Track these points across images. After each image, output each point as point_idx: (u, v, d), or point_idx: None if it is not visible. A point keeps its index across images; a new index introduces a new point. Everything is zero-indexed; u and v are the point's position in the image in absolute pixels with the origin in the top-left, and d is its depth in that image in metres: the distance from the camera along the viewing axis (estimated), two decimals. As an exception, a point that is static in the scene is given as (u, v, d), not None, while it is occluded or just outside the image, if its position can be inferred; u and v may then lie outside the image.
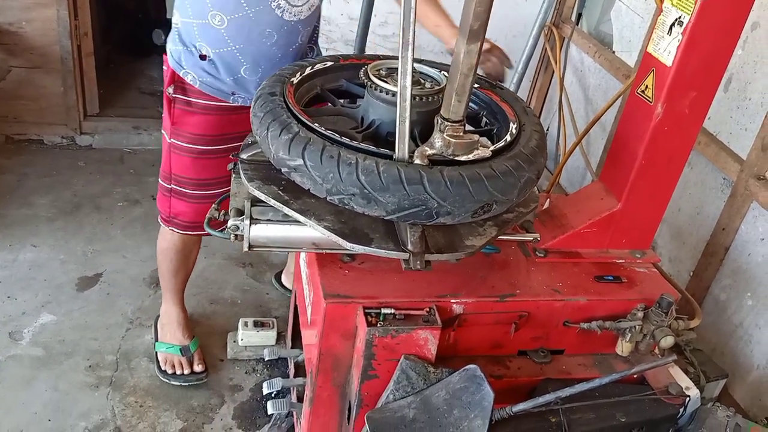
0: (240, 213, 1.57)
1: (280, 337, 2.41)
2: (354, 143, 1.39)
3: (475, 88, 1.76)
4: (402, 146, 1.38)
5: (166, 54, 1.97)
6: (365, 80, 1.58)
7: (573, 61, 3.53)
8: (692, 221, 2.62)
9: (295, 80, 1.64)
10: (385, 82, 1.55)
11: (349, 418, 1.67)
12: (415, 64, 1.67)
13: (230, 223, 1.54)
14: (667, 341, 1.67)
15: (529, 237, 1.75)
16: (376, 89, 1.55)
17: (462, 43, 1.28)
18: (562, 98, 3.45)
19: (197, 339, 2.37)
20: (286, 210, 1.49)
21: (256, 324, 2.40)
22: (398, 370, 1.55)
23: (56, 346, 2.32)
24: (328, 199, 1.39)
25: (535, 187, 1.67)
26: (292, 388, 2.09)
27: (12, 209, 2.96)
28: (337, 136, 1.40)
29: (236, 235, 1.55)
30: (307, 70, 1.71)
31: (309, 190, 1.41)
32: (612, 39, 3.24)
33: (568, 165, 3.49)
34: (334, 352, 1.60)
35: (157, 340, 2.35)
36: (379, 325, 1.51)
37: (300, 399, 1.97)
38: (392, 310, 1.54)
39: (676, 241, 2.69)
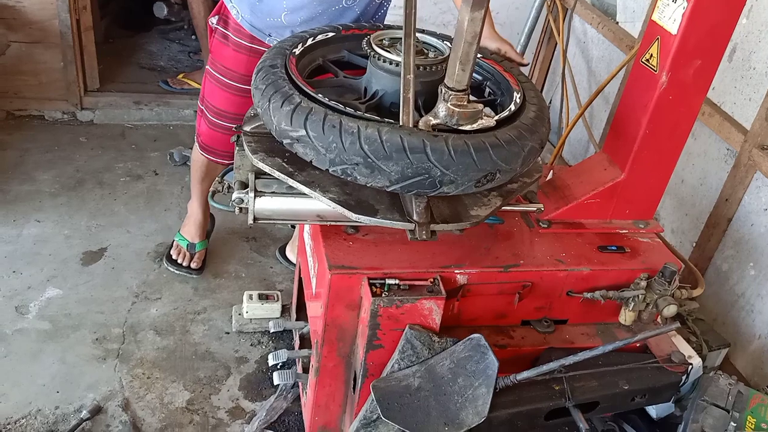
0: (244, 186, 1.57)
1: (284, 310, 2.43)
2: (357, 113, 1.39)
3: (478, 58, 1.75)
4: (406, 114, 1.38)
5: None
6: (368, 50, 1.57)
7: (576, 33, 3.50)
8: (695, 192, 2.61)
9: (296, 51, 1.63)
10: (388, 52, 1.54)
11: (354, 388, 1.69)
12: (419, 35, 1.67)
13: (234, 195, 1.54)
14: (670, 310, 1.69)
15: (532, 207, 1.75)
16: (379, 59, 1.54)
17: (466, 10, 1.27)
18: (565, 70, 3.42)
19: (206, 242, 2.68)
20: (291, 182, 1.49)
21: (260, 297, 2.41)
22: (403, 339, 1.56)
23: (62, 319, 2.33)
24: (330, 170, 1.39)
25: (539, 158, 1.67)
26: (297, 360, 2.11)
27: (15, 185, 2.96)
28: (340, 106, 1.40)
29: (241, 208, 1.56)
30: (309, 42, 1.70)
31: (312, 162, 1.41)
32: (615, 10, 3.20)
33: (571, 138, 3.48)
34: (339, 322, 1.62)
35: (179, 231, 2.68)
36: (383, 295, 1.53)
37: (305, 370, 1.99)
38: (397, 281, 1.55)
39: (678, 213, 2.69)
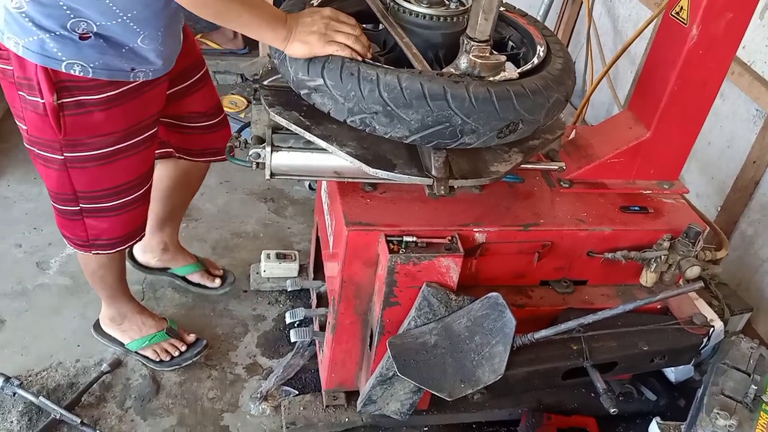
0: (261, 141, 1.55)
1: (301, 269, 2.43)
2: (374, 62, 1.36)
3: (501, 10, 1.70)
4: (418, 61, 1.36)
5: (2, 57, 1.49)
6: (389, 1, 1.53)
7: (602, -9, 3.40)
8: (722, 155, 2.55)
9: (315, 3, 1.59)
10: (408, 2, 1.50)
11: (371, 345, 1.69)
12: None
13: (251, 150, 1.53)
14: (693, 271, 1.65)
15: (554, 166, 1.72)
16: (399, 10, 1.50)
17: (489, -44, 1.22)
18: (590, 30, 3.33)
19: (168, 321, 2.15)
20: (308, 135, 1.47)
21: (278, 256, 2.41)
22: (420, 297, 1.55)
23: (83, 276, 2.32)
24: (349, 120, 1.37)
25: (561, 115, 1.63)
26: (314, 318, 2.11)
27: (35, 143, 2.97)
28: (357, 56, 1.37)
29: (258, 163, 1.54)
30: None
31: (329, 112, 1.39)
32: (644, -34, 3.10)
33: (594, 100, 3.40)
34: (356, 279, 1.61)
35: (124, 344, 2.08)
36: (401, 252, 1.51)
37: (322, 328, 1.99)
38: (414, 238, 1.53)
39: (704, 176, 2.64)
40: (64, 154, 1.59)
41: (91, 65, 1.47)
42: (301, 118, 1.51)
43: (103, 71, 1.49)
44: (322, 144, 1.46)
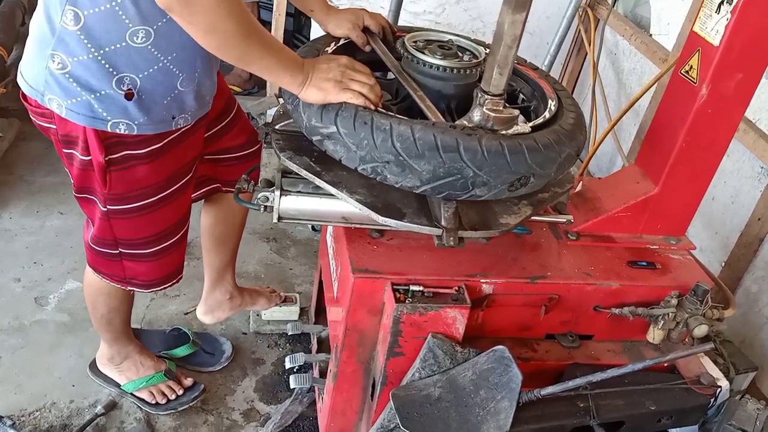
0: (270, 184, 1.55)
1: (303, 313, 2.41)
2: (387, 112, 1.36)
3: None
4: (432, 113, 1.37)
5: (45, 116, 1.50)
6: (402, 51, 1.55)
7: (607, 44, 3.45)
8: (726, 210, 2.55)
9: (329, 50, 1.61)
10: (422, 53, 1.52)
11: (372, 395, 1.66)
12: (453, 37, 1.65)
13: (260, 194, 1.52)
14: (701, 330, 1.63)
15: (562, 219, 1.71)
16: (413, 60, 1.52)
17: (507, 12, 1.24)
18: (595, 83, 3.37)
19: (168, 362, 2.13)
20: (318, 181, 1.47)
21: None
22: (425, 348, 1.53)
23: (81, 312, 2.33)
24: (360, 168, 1.37)
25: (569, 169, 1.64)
26: (314, 364, 2.08)
27: (39, 176, 2.97)
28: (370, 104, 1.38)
29: (266, 207, 1.53)
30: (341, 41, 1.68)
31: (341, 160, 1.39)
32: (649, 22, 3.15)
33: (597, 150, 3.43)
34: (360, 327, 1.59)
35: (120, 385, 2.06)
36: (407, 301, 1.49)
37: (322, 374, 1.96)
38: (421, 288, 1.52)
39: (707, 231, 2.63)
40: (107, 207, 1.62)
41: (136, 122, 1.49)
42: (312, 163, 1.51)
43: (148, 126, 1.51)
44: (332, 190, 1.46)
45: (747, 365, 2.11)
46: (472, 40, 1.67)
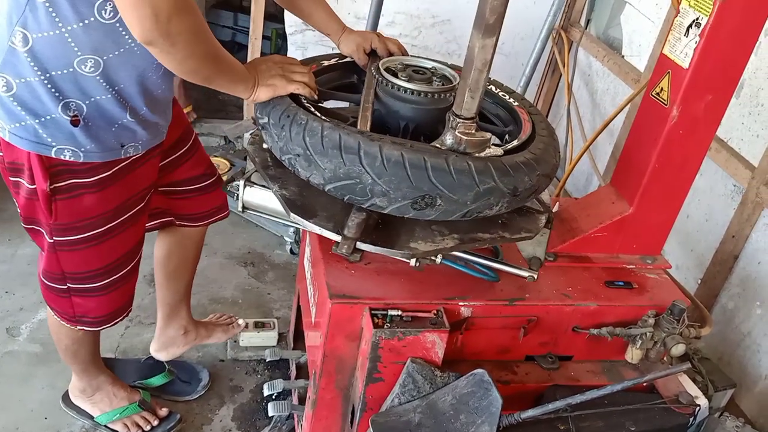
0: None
1: (281, 338, 2.38)
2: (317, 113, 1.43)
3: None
4: (363, 120, 1.44)
5: None
6: (376, 75, 1.56)
7: (581, 65, 3.51)
8: (701, 228, 2.58)
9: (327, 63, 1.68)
10: (394, 75, 1.54)
11: (352, 422, 1.64)
12: (425, 60, 1.66)
13: (234, 182, 1.56)
14: (679, 349, 1.64)
15: (524, 273, 1.61)
16: (384, 84, 1.54)
17: (477, 37, 1.25)
18: (570, 103, 3.42)
19: (142, 392, 2.09)
20: (261, 172, 1.54)
21: (256, 325, 2.37)
22: (404, 373, 1.51)
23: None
24: (280, 158, 1.43)
25: (544, 218, 1.61)
26: (293, 390, 2.05)
27: (11, 203, 2.90)
28: (314, 111, 1.44)
29: (236, 195, 1.58)
30: (324, 63, 1.74)
31: (271, 149, 1.47)
32: (621, 43, 3.21)
33: (573, 170, 3.46)
34: (338, 353, 1.57)
35: (93, 417, 2.01)
36: (385, 326, 1.48)
37: (301, 401, 1.94)
38: (399, 312, 1.51)
39: (683, 248, 2.66)
40: (54, 238, 1.57)
41: (82, 149, 1.45)
42: (268, 157, 1.57)
43: (95, 153, 1.47)
44: (265, 181, 1.53)
45: (725, 382, 2.12)
46: (454, 67, 1.68)
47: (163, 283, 2.07)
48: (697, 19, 1.52)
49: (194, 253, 2.08)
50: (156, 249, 2.04)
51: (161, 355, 2.18)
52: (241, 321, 2.33)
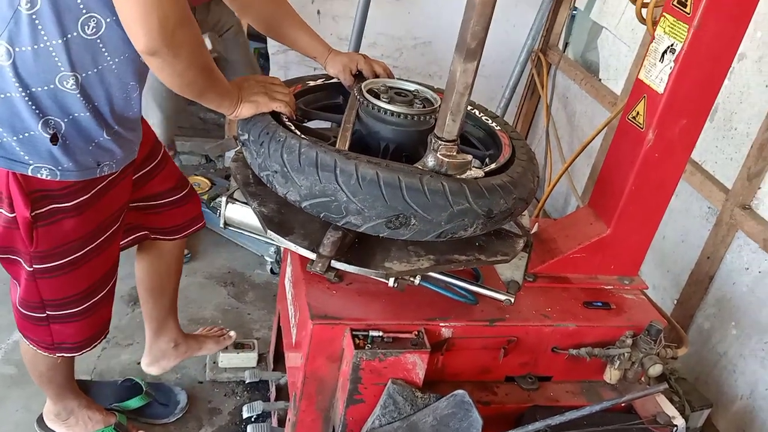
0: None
1: (261, 359, 2.36)
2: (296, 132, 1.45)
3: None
4: (343, 139, 1.46)
5: None
6: (357, 96, 1.58)
7: (559, 88, 3.56)
8: (677, 249, 2.62)
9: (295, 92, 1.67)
10: (377, 97, 1.56)
11: (332, 444, 1.63)
12: (408, 83, 1.69)
13: (218, 198, 1.57)
14: (656, 369, 1.66)
15: (501, 296, 1.61)
16: (363, 103, 1.56)
17: (459, 61, 1.27)
18: (549, 124, 3.47)
19: (118, 415, 2.07)
20: (241, 189, 1.56)
21: (236, 345, 2.35)
22: (385, 394, 1.51)
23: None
24: (259, 175, 1.45)
25: (522, 242, 1.62)
26: (273, 412, 2.04)
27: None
28: (291, 126, 1.47)
29: (219, 211, 1.61)
30: (305, 85, 1.76)
31: (251, 165, 1.49)
32: (598, 67, 3.27)
33: (552, 191, 3.50)
34: (319, 374, 1.56)
35: None
36: (366, 347, 1.48)
37: (281, 423, 1.92)
38: (380, 333, 1.51)
39: (660, 269, 2.70)
40: (34, 266, 1.54)
41: (59, 168, 1.43)
42: (250, 175, 1.59)
43: (72, 172, 1.45)
44: (244, 198, 1.54)
45: (702, 402, 2.15)
46: (427, 86, 1.71)
47: (148, 299, 2.06)
48: (672, 45, 1.56)
49: (175, 266, 2.07)
50: (136, 266, 2.02)
51: (153, 369, 2.17)
52: (232, 333, 2.34)
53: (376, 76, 1.76)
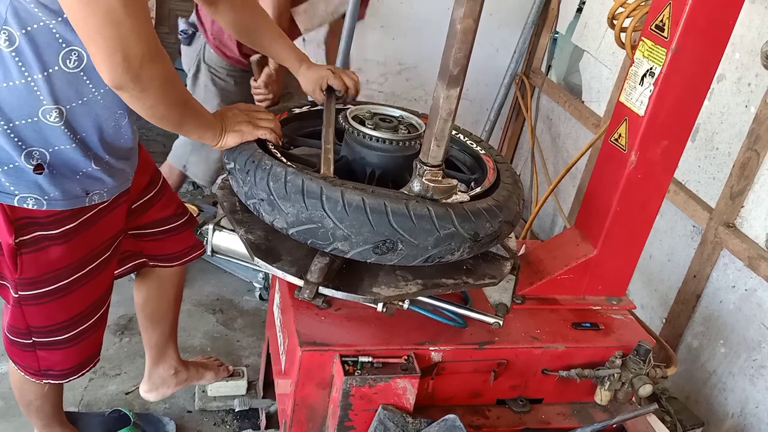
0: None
1: (251, 387, 2.34)
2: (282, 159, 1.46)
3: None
4: (325, 164, 1.46)
5: None
6: (342, 122, 1.59)
7: (543, 110, 3.60)
8: (663, 268, 2.64)
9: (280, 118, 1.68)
10: (361, 123, 1.58)
11: (323, 472, 1.61)
12: (393, 109, 1.70)
13: (204, 227, 1.56)
14: (646, 389, 1.66)
15: (489, 319, 1.61)
16: (349, 130, 1.57)
17: (442, 88, 1.28)
18: (533, 146, 3.50)
19: None
20: (228, 216, 1.55)
21: (225, 373, 2.33)
22: (375, 420, 1.50)
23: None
24: (245, 203, 1.45)
25: (510, 264, 1.62)
26: (263, 440, 2.02)
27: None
28: (278, 154, 1.48)
29: (206, 239, 1.58)
30: (295, 111, 1.78)
31: (237, 193, 1.49)
32: (581, 89, 3.31)
33: (539, 212, 3.53)
34: (309, 401, 1.55)
35: None
36: (356, 373, 1.48)
37: (271, 451, 1.90)
38: (370, 358, 1.50)
39: (647, 288, 2.71)
40: (19, 293, 1.53)
41: (46, 197, 1.43)
42: (237, 202, 1.58)
43: (59, 201, 1.44)
44: (231, 225, 1.54)
45: (693, 421, 2.16)
46: (422, 116, 1.72)
47: (147, 326, 2.06)
48: (651, 68, 1.59)
49: (174, 293, 2.06)
50: (135, 293, 2.02)
51: (151, 396, 2.17)
52: (231, 367, 2.35)
53: (347, 89, 1.78)
